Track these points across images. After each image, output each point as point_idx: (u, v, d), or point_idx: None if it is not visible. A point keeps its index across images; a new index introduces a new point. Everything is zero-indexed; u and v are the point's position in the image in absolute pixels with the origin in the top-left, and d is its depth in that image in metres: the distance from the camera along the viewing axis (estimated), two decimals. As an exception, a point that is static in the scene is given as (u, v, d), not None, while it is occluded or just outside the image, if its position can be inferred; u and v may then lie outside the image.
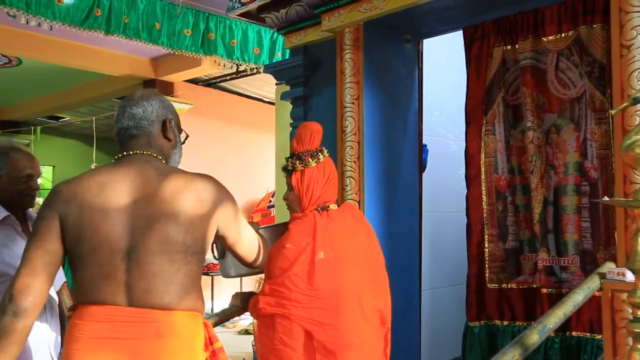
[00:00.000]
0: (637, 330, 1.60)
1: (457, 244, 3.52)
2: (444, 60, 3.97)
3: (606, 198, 1.71)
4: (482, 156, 3.17)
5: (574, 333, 2.79)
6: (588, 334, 2.74)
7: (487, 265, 3.11)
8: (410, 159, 3.44)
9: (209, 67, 6.55)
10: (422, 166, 3.52)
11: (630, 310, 1.69)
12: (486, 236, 3.12)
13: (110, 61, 6.69)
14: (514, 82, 3.11)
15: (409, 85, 3.46)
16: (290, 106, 3.76)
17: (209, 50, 5.27)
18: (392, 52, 3.38)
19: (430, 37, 3.52)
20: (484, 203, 3.14)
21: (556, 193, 2.92)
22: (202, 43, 5.21)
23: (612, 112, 1.74)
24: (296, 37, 3.60)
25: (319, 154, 2.09)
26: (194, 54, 5.35)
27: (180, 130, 1.82)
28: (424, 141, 3.62)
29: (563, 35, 2.90)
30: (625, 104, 1.71)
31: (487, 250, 3.11)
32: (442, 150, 3.99)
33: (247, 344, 5.42)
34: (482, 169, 3.16)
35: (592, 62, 2.81)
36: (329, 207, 2.06)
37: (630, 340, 1.74)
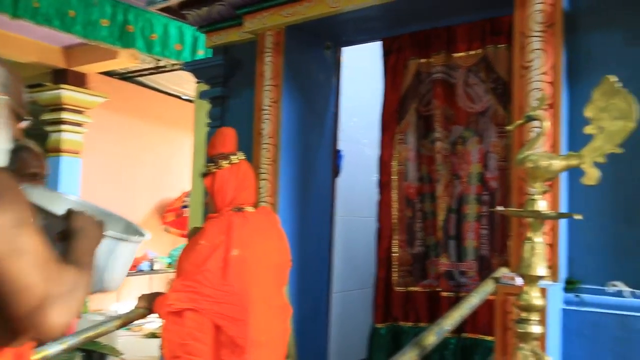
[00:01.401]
0: (521, 330, 1.72)
1: (368, 248, 3.62)
2: (364, 68, 4.08)
3: (500, 208, 1.84)
4: (395, 164, 3.29)
5: (468, 334, 2.95)
6: (481, 336, 2.90)
7: (394, 269, 3.22)
8: (325, 164, 3.51)
9: (126, 60, 6.34)
10: (336, 171, 3.60)
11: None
12: (395, 241, 3.24)
13: (17, 47, 6.32)
14: (426, 94, 3.25)
15: (327, 91, 3.53)
16: (209, 105, 3.73)
17: (127, 43, 5.10)
18: (312, 58, 3.44)
19: (350, 45, 3.62)
20: (394, 209, 3.26)
21: (459, 201, 3.08)
22: (120, 35, 5.04)
23: (509, 127, 1.87)
24: (217, 36, 3.58)
25: (231, 156, 2.12)
26: (110, 45, 5.16)
27: (17, 113, 1.27)
28: (340, 147, 3.70)
29: (472, 52, 3.07)
30: (520, 121, 1.84)
31: (395, 254, 3.23)
32: (357, 157, 4.09)
33: (154, 347, 5.28)
34: (394, 176, 3.28)
35: (497, 80, 2.99)
36: (244, 208, 2.08)
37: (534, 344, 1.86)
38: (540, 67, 2.41)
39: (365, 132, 4.15)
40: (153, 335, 6.18)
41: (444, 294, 3.06)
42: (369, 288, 3.53)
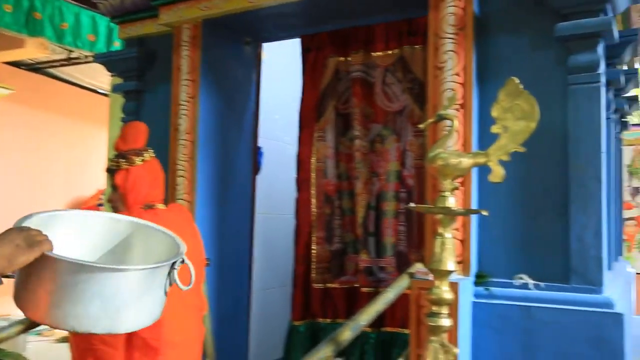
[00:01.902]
0: (432, 324, 1.77)
1: (288, 246, 3.61)
2: (285, 64, 4.06)
3: (412, 204, 1.87)
4: (314, 161, 3.29)
5: (388, 329, 3.01)
6: (400, 329, 2.97)
7: (313, 266, 3.23)
8: (245, 161, 3.46)
9: (34, 50, 5.99)
10: (256, 169, 3.56)
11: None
12: (314, 238, 3.25)
13: None
14: (345, 92, 3.28)
15: (246, 87, 3.48)
16: (124, 99, 3.58)
17: (35, 31, 4.81)
18: (231, 53, 3.38)
19: (270, 41, 3.59)
20: (312, 206, 3.27)
21: (378, 199, 3.13)
22: (27, 22, 4.75)
23: (421, 126, 1.91)
24: (132, 27, 3.44)
25: (145, 152, 2.04)
26: (15, 33, 4.85)
27: None
28: (261, 144, 3.67)
29: (390, 52, 3.13)
30: (431, 120, 1.88)
31: (314, 251, 3.24)
32: (278, 154, 4.07)
33: (65, 351, 5.03)
34: (313, 174, 3.29)
35: (413, 80, 3.06)
36: (155, 206, 2.01)
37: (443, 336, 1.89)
38: (453, 68, 2.48)
39: (286, 129, 4.14)
40: (65, 340, 5.89)
41: (364, 289, 3.10)
42: (289, 286, 3.52)
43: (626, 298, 3.10)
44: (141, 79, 3.47)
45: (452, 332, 2.27)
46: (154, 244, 1.52)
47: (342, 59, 3.26)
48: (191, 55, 3.12)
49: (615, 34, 2.45)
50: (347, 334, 1.96)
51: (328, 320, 3.20)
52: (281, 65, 4.03)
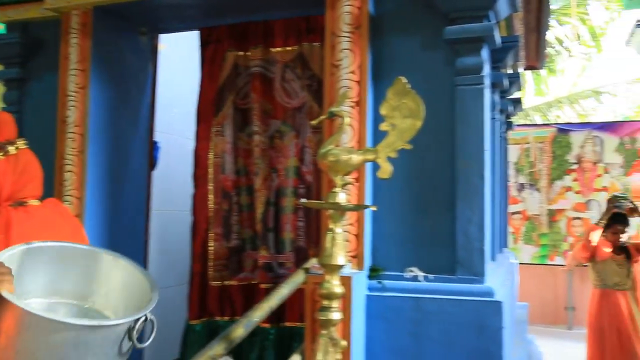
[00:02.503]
0: (322, 318, 1.79)
1: (186, 243, 3.53)
2: (185, 57, 3.95)
3: (304, 200, 1.89)
4: (211, 156, 3.23)
5: (287, 324, 3.02)
6: (298, 324, 2.99)
7: (210, 264, 3.18)
8: (140, 156, 3.34)
9: None
10: (152, 163, 3.45)
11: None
12: (211, 235, 3.20)
13: None
14: (244, 87, 3.24)
15: (142, 79, 3.36)
16: (4, 88, 3.33)
17: None
18: (126, 44, 3.24)
19: (167, 32, 3.48)
20: (210, 202, 3.21)
21: (277, 194, 3.13)
22: None
23: (313, 122, 1.93)
24: (13, 11, 3.20)
25: (8, 146, 1.88)
26: None
27: None
28: (158, 138, 3.55)
29: (289, 48, 3.13)
30: (323, 117, 1.91)
31: (211, 248, 3.19)
32: (177, 149, 3.97)
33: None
34: (210, 169, 3.23)
35: (312, 77, 3.09)
36: (27, 202, 1.87)
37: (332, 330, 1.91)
38: (349, 66, 2.53)
39: (185, 123, 4.03)
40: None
41: (263, 286, 3.09)
42: (187, 284, 3.44)
43: (508, 287, 3.31)
44: (24, 66, 3.24)
45: (346, 325, 2.33)
46: (130, 285, 1.43)
47: (241, 53, 3.23)
48: (81, 44, 2.96)
49: (498, 39, 2.60)
50: (239, 331, 1.94)
51: (226, 318, 3.16)
52: (181, 57, 3.92)
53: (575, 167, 7.50)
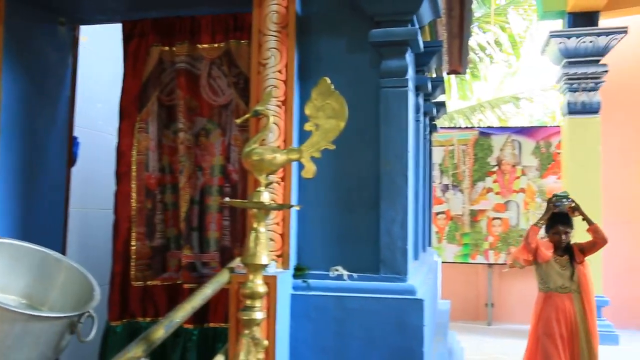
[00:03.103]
0: (245, 317, 1.78)
1: (108, 242, 3.41)
2: (107, 50, 3.81)
3: (227, 199, 1.87)
4: (134, 153, 3.14)
5: (211, 324, 2.98)
6: (223, 324, 2.96)
7: (132, 263, 3.09)
8: (58, 152, 3.19)
9: None
10: (71, 160, 3.30)
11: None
12: (133, 234, 3.10)
13: None
14: (169, 83, 3.17)
15: (60, 72, 3.21)
16: None
17: None
18: (42, 33, 3.09)
19: (88, 24, 3.35)
20: (133, 200, 3.11)
21: (202, 193, 3.08)
22: None
23: (237, 121, 1.91)
24: None
25: None
26: None
27: None
28: (79, 134, 3.41)
29: (216, 45, 3.09)
30: (247, 115, 1.89)
31: (133, 248, 3.09)
32: (99, 145, 3.82)
33: None
34: (133, 166, 3.13)
35: (239, 74, 3.06)
36: None
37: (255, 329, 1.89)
38: (275, 65, 2.52)
39: (109, 119, 3.90)
40: None
41: (186, 286, 3.02)
42: (108, 284, 3.33)
43: (431, 285, 3.41)
44: None
45: (270, 324, 2.32)
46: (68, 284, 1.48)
47: (166, 48, 3.15)
48: (-8, 33, 2.79)
49: (421, 44, 2.68)
50: (160, 332, 1.89)
51: (148, 319, 3.07)
52: (103, 50, 3.78)
53: (495, 169, 7.83)
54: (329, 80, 1.81)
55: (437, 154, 7.82)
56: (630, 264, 7.56)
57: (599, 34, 6.69)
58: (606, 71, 6.77)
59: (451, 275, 7.78)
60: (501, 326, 7.63)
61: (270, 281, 2.33)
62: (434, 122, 4.86)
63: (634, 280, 7.53)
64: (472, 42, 10.69)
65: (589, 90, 6.88)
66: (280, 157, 1.81)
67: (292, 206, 1.80)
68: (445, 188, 7.95)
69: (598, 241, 4.19)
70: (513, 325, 7.59)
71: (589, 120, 6.86)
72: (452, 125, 10.71)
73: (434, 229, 7.77)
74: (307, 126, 1.80)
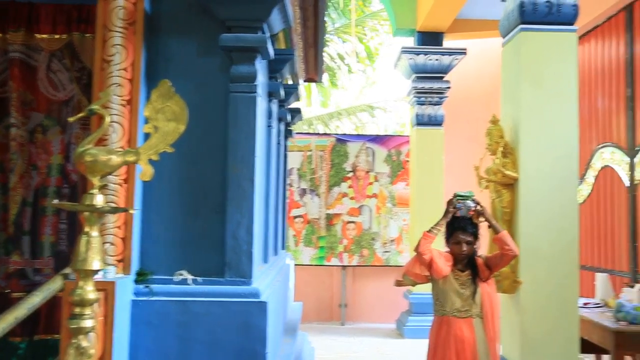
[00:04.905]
0: (73, 326, 1.69)
1: None
2: None
3: (56, 202, 1.77)
4: (-40, 150, 2.85)
5: (42, 336, 2.78)
6: (56, 336, 2.77)
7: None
8: None
9: None
10: None
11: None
12: (-45, 238, 2.81)
13: None
14: (1, 74, 2.92)
15: None
16: None
17: None
18: None
19: None
20: (-43, 202, 2.82)
21: (36, 194, 2.88)
22: None
23: (70, 119, 1.82)
24: None
25: None
26: None
27: None
28: None
29: (57, 36, 2.91)
30: (81, 114, 1.81)
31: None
32: None
33: None
34: (-43, 164, 2.84)
35: (83, 69, 2.91)
36: None
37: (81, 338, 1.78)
38: (121, 63, 2.43)
39: None
40: None
41: (15, 295, 2.79)
42: None
43: (279, 287, 3.48)
44: None
45: (108, 332, 2.23)
46: None
47: (-2, 35, 2.90)
48: None
49: (271, 51, 2.73)
50: (-26, 346, 1.74)
51: (-32, 333, 2.79)
52: None
53: (350, 175, 8.18)
54: (169, 83, 1.79)
55: (296, 159, 7.99)
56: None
57: (443, 53, 7.27)
58: (449, 87, 7.38)
59: (307, 277, 7.98)
60: (354, 325, 7.96)
61: (109, 287, 2.24)
62: (289, 128, 4.97)
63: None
64: (332, 51, 11.11)
65: (434, 104, 7.45)
66: (115, 159, 1.75)
67: (127, 210, 1.75)
68: (303, 192, 8.14)
69: (506, 253, 3.20)
70: (365, 324, 7.96)
71: (434, 131, 7.42)
72: (312, 131, 11.01)
73: (292, 232, 7.92)
74: (146, 128, 1.77)
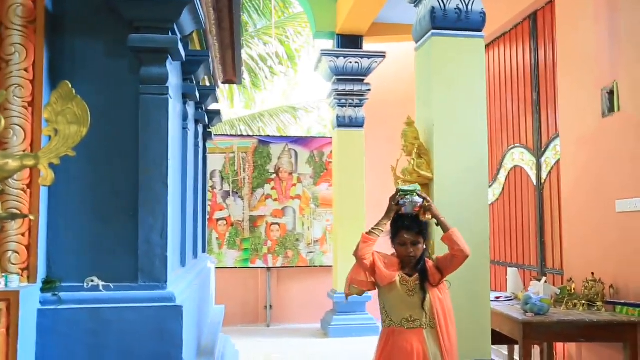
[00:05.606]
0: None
1: None
2: None
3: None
4: None
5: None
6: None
7: None
8: None
9: None
10: None
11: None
12: None
13: None
14: None
15: None
16: None
17: None
18: None
19: None
20: None
21: None
22: None
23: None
24: None
25: None
26: None
27: None
28: None
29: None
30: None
31: None
32: None
33: None
34: None
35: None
36: None
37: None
38: (21, 63, 2.34)
39: None
40: None
41: None
42: None
43: (197, 291, 3.44)
44: None
45: (11, 344, 2.13)
46: None
47: None
48: None
49: (182, 53, 2.70)
50: None
51: None
52: None
53: (274, 176, 8.19)
54: (69, 84, 1.74)
55: (218, 161, 7.92)
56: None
57: (362, 56, 7.44)
58: (369, 90, 7.55)
59: (232, 280, 7.92)
60: (280, 326, 7.98)
61: (12, 297, 2.15)
62: (209, 130, 4.92)
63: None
64: (253, 53, 11.08)
65: (355, 106, 7.60)
66: (12, 164, 1.69)
67: (27, 216, 1.69)
68: (226, 194, 8.07)
69: (457, 254, 2.87)
70: (291, 325, 8.00)
71: (355, 132, 7.58)
72: (234, 133, 10.93)
73: (215, 235, 7.84)
74: (45, 131, 1.71)
